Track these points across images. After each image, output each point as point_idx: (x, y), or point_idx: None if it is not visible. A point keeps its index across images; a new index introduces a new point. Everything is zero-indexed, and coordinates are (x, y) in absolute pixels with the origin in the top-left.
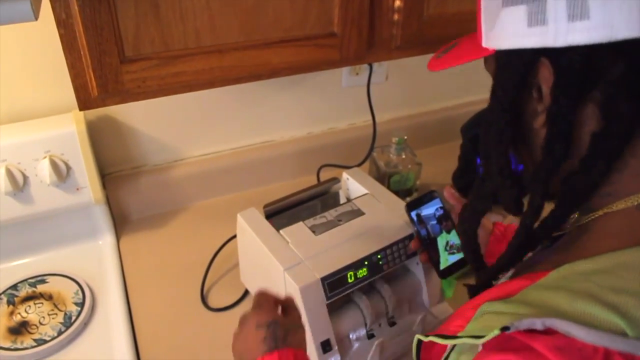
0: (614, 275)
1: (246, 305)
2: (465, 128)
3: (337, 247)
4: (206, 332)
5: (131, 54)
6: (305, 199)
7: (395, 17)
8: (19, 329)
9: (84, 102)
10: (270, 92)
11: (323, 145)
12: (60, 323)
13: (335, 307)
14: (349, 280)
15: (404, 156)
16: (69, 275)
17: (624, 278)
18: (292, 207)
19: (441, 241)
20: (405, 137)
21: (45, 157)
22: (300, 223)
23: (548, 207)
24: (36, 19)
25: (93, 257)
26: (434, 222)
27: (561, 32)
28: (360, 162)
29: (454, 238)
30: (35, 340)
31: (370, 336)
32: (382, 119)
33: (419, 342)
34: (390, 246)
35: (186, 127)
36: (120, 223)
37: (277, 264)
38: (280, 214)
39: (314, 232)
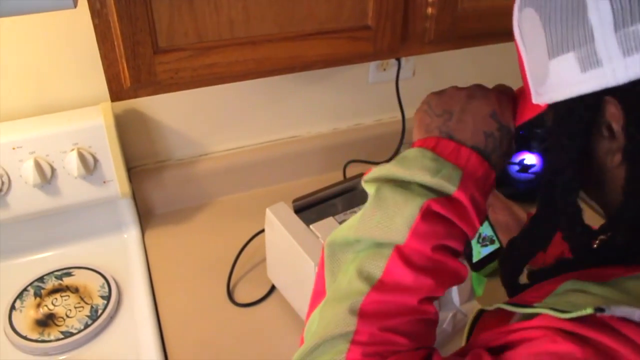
0: None
1: (273, 301)
2: None
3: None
4: (233, 327)
5: (165, 44)
6: (334, 194)
7: (429, 10)
8: (46, 321)
9: (117, 93)
10: (297, 87)
11: (349, 141)
12: (87, 316)
13: None
14: None
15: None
16: (95, 269)
17: None
18: (321, 202)
19: None
20: None
21: (73, 150)
22: (331, 218)
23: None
24: (75, 6)
25: (118, 251)
26: None
27: (620, 69)
28: (388, 159)
29: (486, 230)
30: (62, 332)
31: None
32: (409, 115)
33: (478, 314)
34: None
35: (211, 121)
36: (145, 217)
37: (308, 259)
38: (309, 209)
39: None
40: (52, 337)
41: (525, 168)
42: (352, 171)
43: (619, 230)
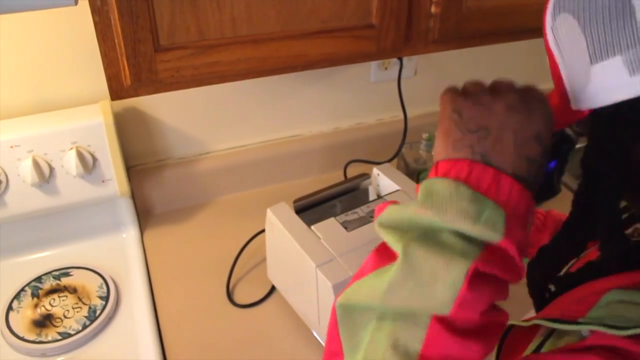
0: None
1: (273, 302)
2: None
3: (370, 244)
4: (232, 328)
5: (166, 42)
6: (336, 194)
7: (433, 9)
8: (44, 322)
9: (117, 92)
10: (298, 86)
11: (350, 141)
12: (85, 317)
13: None
14: None
15: (433, 152)
16: (93, 269)
17: None
18: (323, 203)
19: None
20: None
21: (72, 149)
22: (332, 219)
23: None
24: (75, 3)
25: (117, 251)
26: None
27: None
28: (390, 158)
29: None
30: (59, 333)
31: None
32: (410, 114)
33: (507, 329)
34: None
35: (212, 120)
36: (144, 216)
37: (309, 260)
38: (310, 209)
39: (345, 228)
40: (49, 338)
41: None
42: (353, 171)
43: None
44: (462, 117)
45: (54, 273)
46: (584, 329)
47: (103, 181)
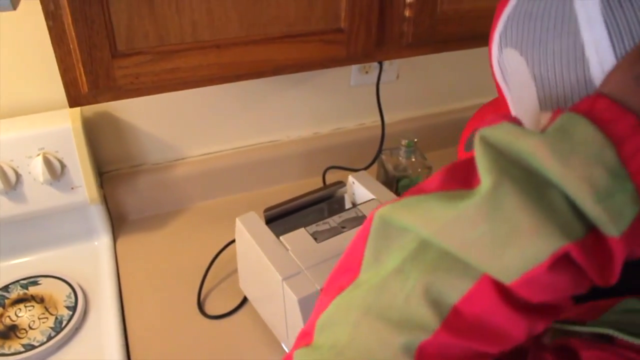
0: None
1: (244, 314)
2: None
3: (340, 256)
4: (202, 340)
5: (124, 48)
6: (309, 203)
7: (407, 12)
8: (8, 333)
9: (74, 99)
10: (276, 89)
11: (330, 146)
12: (51, 328)
13: None
14: None
15: (413, 159)
16: (62, 277)
17: None
18: (295, 212)
19: None
20: (416, 140)
21: (38, 155)
22: (302, 229)
23: None
24: (14, 8)
25: (88, 259)
26: None
27: None
28: (367, 166)
29: None
30: (23, 345)
31: None
32: (392, 119)
33: None
34: None
35: (187, 124)
36: (118, 223)
37: (276, 273)
38: (281, 218)
39: (315, 239)
40: (12, 350)
41: None
42: (331, 177)
43: None
44: None
45: (22, 282)
46: (595, 331)
47: (72, 188)
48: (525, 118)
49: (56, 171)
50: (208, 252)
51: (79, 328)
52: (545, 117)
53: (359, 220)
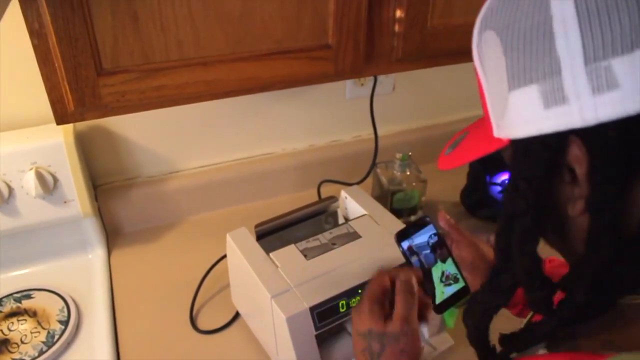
0: None
1: (236, 329)
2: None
3: (330, 274)
4: (193, 355)
5: (109, 66)
6: (301, 218)
7: (396, 28)
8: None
9: (61, 117)
10: (271, 102)
11: (326, 159)
12: (42, 342)
13: (326, 337)
14: (341, 310)
15: (408, 173)
16: (56, 291)
17: None
18: (286, 227)
19: (436, 272)
20: (410, 154)
21: (31, 169)
22: (292, 246)
23: None
24: None
25: (82, 272)
26: (428, 251)
27: (588, 108)
28: (361, 180)
29: (449, 268)
30: None
31: None
32: (388, 131)
33: None
34: None
35: (182, 137)
36: (113, 236)
37: (265, 290)
38: (272, 234)
39: (305, 256)
40: None
41: None
42: (326, 190)
43: (579, 287)
44: None
45: (15, 295)
46: None
47: (65, 202)
48: (496, 102)
49: (49, 185)
50: (202, 266)
51: (70, 342)
52: (513, 97)
53: (350, 236)
